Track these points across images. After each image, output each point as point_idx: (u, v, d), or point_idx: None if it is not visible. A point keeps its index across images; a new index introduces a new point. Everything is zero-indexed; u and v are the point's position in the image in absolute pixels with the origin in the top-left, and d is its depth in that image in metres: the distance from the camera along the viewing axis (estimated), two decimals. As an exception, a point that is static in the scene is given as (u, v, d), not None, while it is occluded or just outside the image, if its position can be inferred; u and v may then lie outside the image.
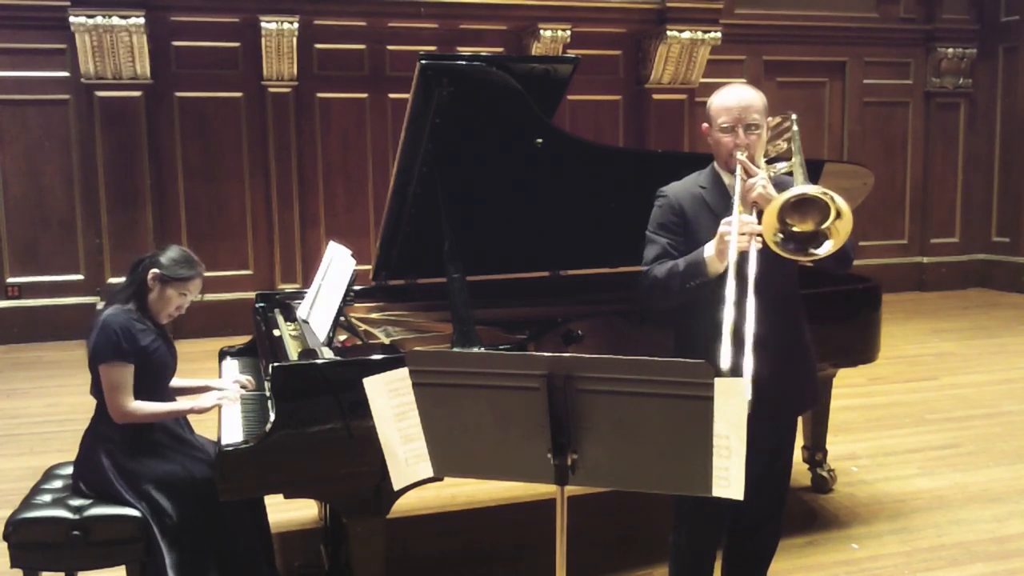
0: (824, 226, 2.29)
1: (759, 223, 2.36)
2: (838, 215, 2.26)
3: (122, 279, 3.04)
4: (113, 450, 2.86)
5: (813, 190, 2.28)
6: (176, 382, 3.10)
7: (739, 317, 2.35)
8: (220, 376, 3.44)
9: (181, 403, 2.98)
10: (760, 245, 2.36)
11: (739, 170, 2.52)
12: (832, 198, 2.26)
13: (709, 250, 2.46)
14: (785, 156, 2.80)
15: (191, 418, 3.06)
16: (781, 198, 2.27)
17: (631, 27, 8.72)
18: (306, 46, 8.10)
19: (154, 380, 2.92)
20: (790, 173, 2.57)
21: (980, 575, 3.49)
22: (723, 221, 2.43)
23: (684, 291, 2.52)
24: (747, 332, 2.29)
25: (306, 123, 8.25)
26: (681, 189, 2.72)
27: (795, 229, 2.30)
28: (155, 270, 2.91)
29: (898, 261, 10.18)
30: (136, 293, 2.93)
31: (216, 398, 2.99)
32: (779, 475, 2.85)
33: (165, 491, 2.83)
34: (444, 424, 1.99)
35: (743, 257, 2.39)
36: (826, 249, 2.30)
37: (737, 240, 2.36)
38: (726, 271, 2.39)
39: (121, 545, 2.79)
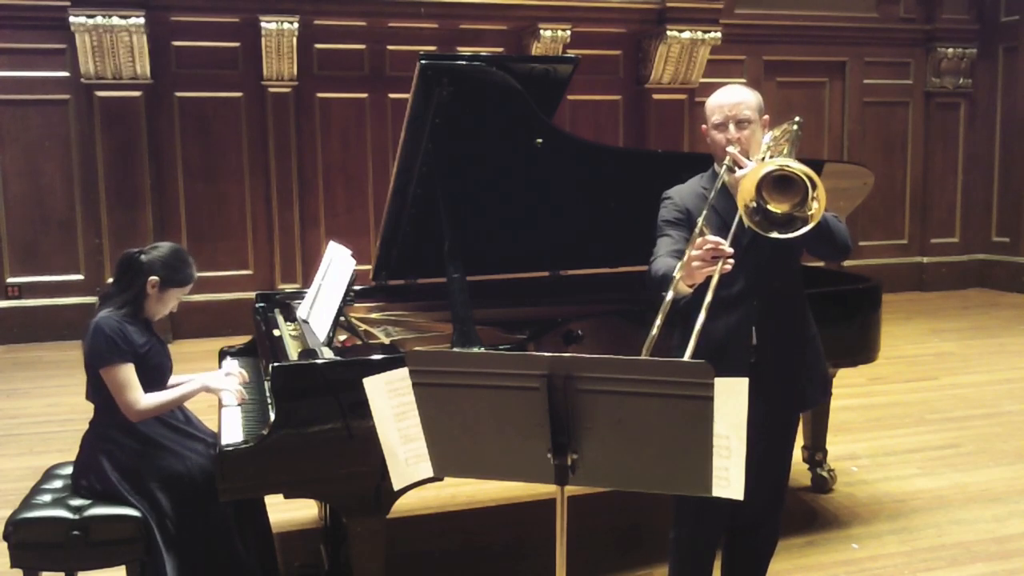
0: (799, 212, 2.25)
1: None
2: (815, 198, 2.22)
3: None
4: (113, 451, 2.86)
5: (796, 166, 2.24)
6: (173, 380, 3.10)
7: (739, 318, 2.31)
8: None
9: (190, 384, 2.97)
10: (730, 268, 2.33)
11: (726, 164, 2.52)
12: (810, 177, 2.22)
13: (677, 271, 2.40)
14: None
15: (191, 405, 3.07)
16: (765, 167, 2.26)
17: (631, 27, 8.71)
18: (306, 46, 8.09)
19: (152, 379, 2.92)
20: None
21: (980, 575, 3.50)
22: (694, 245, 2.36)
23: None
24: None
25: (306, 123, 8.25)
26: (685, 190, 2.76)
27: (769, 207, 2.28)
28: (154, 278, 2.91)
29: (898, 261, 10.17)
30: (133, 299, 2.92)
31: (225, 383, 3.01)
32: (778, 472, 2.85)
33: (167, 490, 2.83)
34: (444, 424, 1.99)
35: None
36: (801, 231, 2.25)
37: (704, 264, 2.31)
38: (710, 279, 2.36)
39: (121, 545, 2.79)
